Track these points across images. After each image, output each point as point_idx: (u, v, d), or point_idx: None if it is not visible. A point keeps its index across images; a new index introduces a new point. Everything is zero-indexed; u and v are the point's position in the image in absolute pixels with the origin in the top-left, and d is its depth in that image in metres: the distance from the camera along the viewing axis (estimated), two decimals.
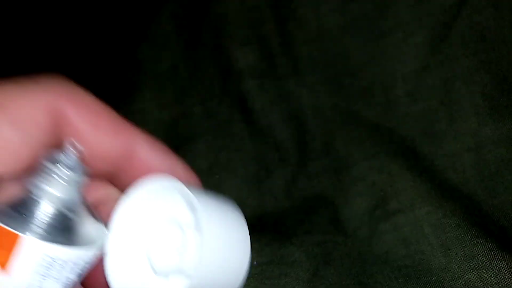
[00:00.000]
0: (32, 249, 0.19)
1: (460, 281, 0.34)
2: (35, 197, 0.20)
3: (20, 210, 0.20)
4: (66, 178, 0.21)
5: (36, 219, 0.20)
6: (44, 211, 0.20)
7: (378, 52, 0.43)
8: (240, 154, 0.44)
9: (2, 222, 0.19)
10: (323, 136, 0.43)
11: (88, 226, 0.22)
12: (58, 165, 0.21)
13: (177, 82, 0.48)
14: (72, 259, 0.20)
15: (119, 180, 0.25)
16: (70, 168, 0.21)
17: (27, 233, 0.19)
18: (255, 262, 0.36)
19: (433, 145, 0.40)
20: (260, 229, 0.39)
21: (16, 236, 0.19)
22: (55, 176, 0.21)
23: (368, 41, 0.43)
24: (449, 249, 0.36)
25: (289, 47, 0.45)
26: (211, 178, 0.43)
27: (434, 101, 0.41)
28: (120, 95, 0.48)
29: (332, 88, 0.44)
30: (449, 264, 0.35)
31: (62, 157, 0.21)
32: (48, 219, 0.20)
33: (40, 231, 0.20)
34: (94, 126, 0.23)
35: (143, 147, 0.24)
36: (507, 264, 0.34)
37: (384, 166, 0.40)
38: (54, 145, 0.22)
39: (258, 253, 0.37)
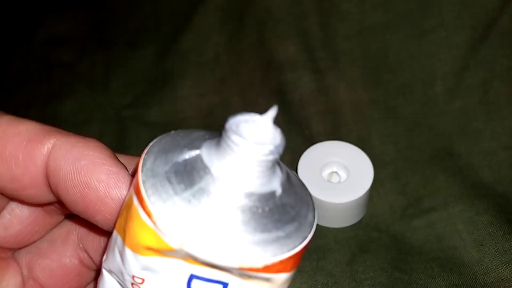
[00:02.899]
0: None
1: (493, 274, 0.34)
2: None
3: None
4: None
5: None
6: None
7: (418, 50, 0.43)
8: None
9: None
10: (359, 131, 0.44)
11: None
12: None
13: (217, 72, 0.49)
14: None
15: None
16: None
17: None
18: None
19: (470, 143, 0.41)
20: None
21: None
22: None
23: (410, 38, 0.44)
24: (482, 245, 0.36)
25: (330, 42, 0.46)
26: None
27: (472, 100, 0.42)
28: (163, 83, 0.49)
29: (370, 83, 0.44)
30: (482, 259, 0.35)
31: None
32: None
33: None
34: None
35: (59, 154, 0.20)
36: None
37: (418, 167, 0.41)
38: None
39: None
